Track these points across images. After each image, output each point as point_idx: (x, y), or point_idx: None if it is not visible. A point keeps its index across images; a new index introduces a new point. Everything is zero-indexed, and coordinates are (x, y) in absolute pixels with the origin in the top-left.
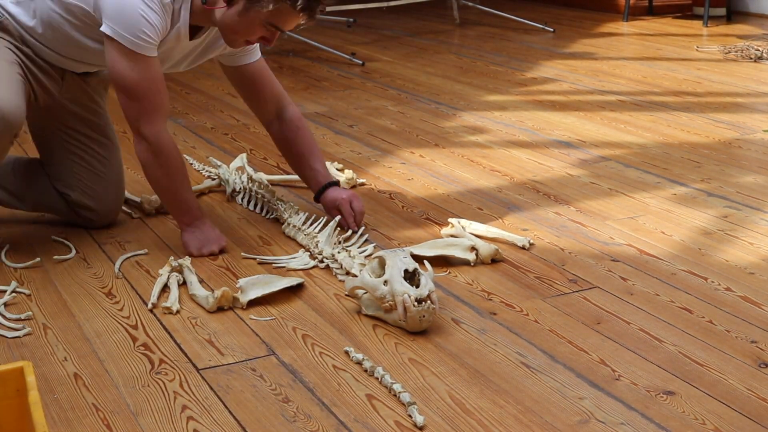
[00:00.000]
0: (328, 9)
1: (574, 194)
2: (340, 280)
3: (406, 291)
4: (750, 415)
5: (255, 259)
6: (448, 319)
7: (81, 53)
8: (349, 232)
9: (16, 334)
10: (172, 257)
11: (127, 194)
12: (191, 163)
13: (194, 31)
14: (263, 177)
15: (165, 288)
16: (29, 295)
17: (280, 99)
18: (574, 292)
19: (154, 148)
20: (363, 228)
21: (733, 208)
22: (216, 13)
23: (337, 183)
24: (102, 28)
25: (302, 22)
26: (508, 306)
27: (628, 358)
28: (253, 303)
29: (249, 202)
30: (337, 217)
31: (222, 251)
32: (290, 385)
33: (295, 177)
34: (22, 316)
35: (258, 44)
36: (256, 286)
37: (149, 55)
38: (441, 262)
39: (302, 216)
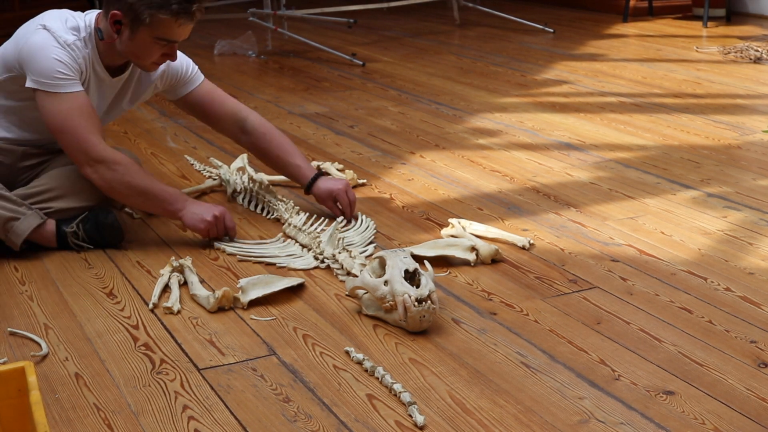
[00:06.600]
0: (329, 10)
1: (574, 195)
2: (340, 281)
3: (406, 291)
4: (749, 415)
5: (224, 249)
6: (449, 319)
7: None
8: (344, 221)
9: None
10: (173, 257)
11: None
12: (192, 164)
13: (120, 70)
14: (264, 177)
15: (166, 288)
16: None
17: (237, 113)
18: (574, 292)
19: (109, 164)
20: (368, 219)
21: (733, 209)
22: (117, 47)
23: (323, 173)
24: (26, 85)
25: (188, 25)
26: (508, 306)
27: (627, 358)
28: (254, 303)
29: (250, 202)
30: (340, 218)
31: (223, 216)
32: (291, 385)
33: None
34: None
35: (196, 71)
36: (256, 286)
37: (72, 91)
38: (441, 262)
39: (303, 216)
